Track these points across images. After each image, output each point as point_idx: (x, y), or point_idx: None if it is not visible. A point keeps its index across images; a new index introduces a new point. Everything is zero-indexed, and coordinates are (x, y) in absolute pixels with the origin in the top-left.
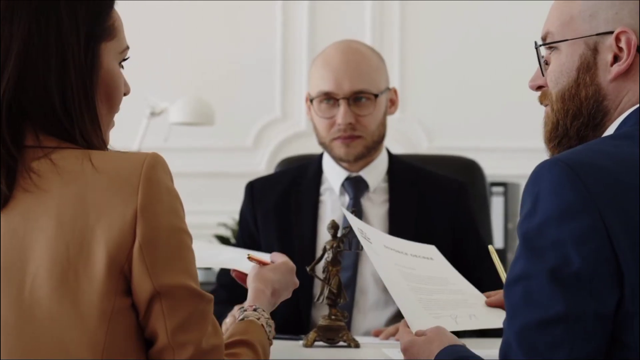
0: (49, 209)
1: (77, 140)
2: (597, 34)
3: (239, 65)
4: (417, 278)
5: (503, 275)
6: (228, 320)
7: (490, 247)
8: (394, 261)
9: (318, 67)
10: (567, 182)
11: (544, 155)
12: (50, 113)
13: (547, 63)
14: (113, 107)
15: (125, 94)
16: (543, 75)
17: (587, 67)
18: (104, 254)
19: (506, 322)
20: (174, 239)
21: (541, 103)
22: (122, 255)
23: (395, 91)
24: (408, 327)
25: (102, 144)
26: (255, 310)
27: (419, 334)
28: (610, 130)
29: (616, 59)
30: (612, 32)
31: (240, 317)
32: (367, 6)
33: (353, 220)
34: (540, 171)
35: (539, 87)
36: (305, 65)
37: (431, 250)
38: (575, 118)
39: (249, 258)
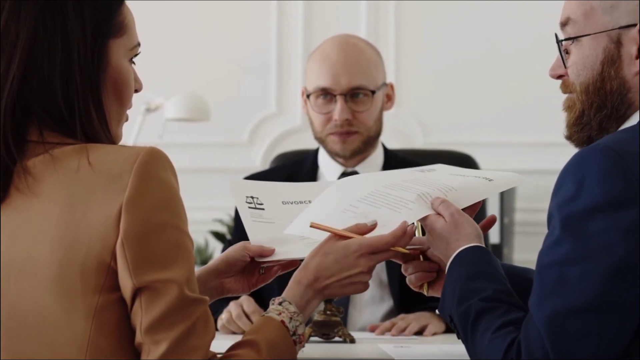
0: (39, 205)
1: (77, 136)
2: (620, 28)
3: (235, 61)
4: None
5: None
6: (224, 316)
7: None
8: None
9: (315, 62)
10: (617, 171)
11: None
12: (54, 109)
13: (567, 52)
14: (123, 103)
15: (136, 91)
16: (564, 65)
17: (612, 60)
18: (89, 250)
19: (534, 303)
20: (160, 235)
21: (563, 92)
22: (107, 251)
23: (392, 86)
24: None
25: (110, 139)
26: (280, 304)
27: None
28: (633, 121)
29: None
30: (635, 25)
31: (266, 312)
32: (362, 2)
33: (238, 191)
34: (588, 155)
35: (559, 77)
36: (300, 61)
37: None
38: (599, 110)
39: (312, 226)
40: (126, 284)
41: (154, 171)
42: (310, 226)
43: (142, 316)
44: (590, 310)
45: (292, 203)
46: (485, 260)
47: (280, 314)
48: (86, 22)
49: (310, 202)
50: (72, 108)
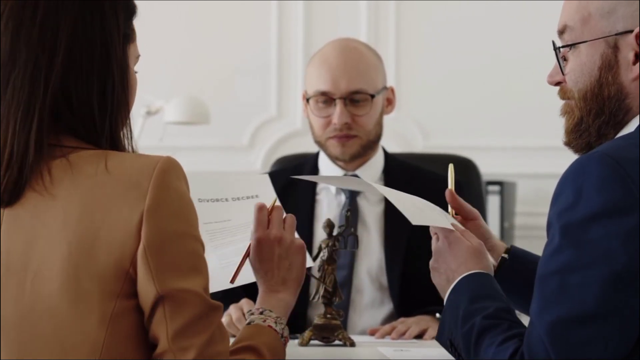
0: (55, 208)
1: (101, 142)
2: (617, 34)
3: (235, 64)
4: (228, 233)
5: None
6: (224, 319)
7: (450, 165)
8: (204, 219)
9: (315, 66)
10: (616, 178)
11: (539, 153)
12: (86, 107)
13: (564, 59)
14: (131, 108)
15: None
16: (562, 72)
17: (609, 66)
18: (107, 256)
19: (536, 311)
20: (180, 244)
21: (561, 98)
22: (127, 258)
23: (392, 90)
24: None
25: (131, 146)
26: (261, 313)
27: (466, 235)
28: (631, 127)
29: (637, 56)
30: (631, 31)
31: (247, 321)
32: (362, 4)
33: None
34: (587, 163)
35: (557, 83)
36: (300, 64)
37: (261, 181)
38: (597, 117)
39: (231, 281)
40: (148, 291)
41: (171, 181)
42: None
43: (167, 324)
44: (593, 318)
45: (207, 201)
46: (487, 284)
47: (265, 320)
48: (119, 23)
49: (227, 199)
50: (105, 107)
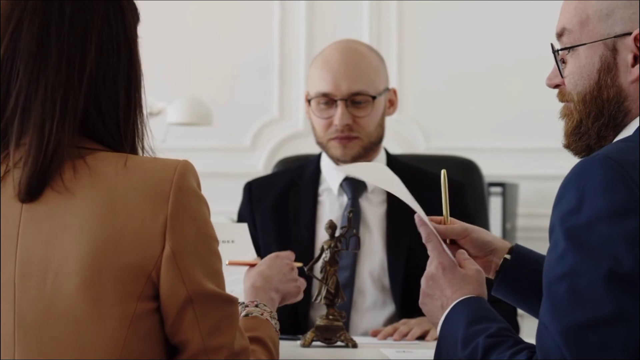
0: (75, 208)
1: (121, 143)
2: (616, 36)
3: (237, 65)
4: None
5: (446, 206)
6: None
7: (443, 171)
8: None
9: (317, 67)
10: (619, 180)
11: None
12: (112, 106)
13: (563, 61)
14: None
15: None
16: (561, 75)
17: (608, 68)
18: (130, 258)
19: (548, 319)
20: (203, 245)
21: (560, 101)
22: (150, 261)
23: (394, 92)
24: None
25: (150, 147)
26: (257, 306)
27: (459, 259)
28: (630, 129)
29: (636, 59)
30: (630, 34)
31: (244, 313)
32: (364, 6)
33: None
34: (588, 166)
35: (556, 86)
36: (303, 65)
37: (238, 229)
38: (596, 119)
39: (229, 263)
40: (178, 294)
41: (191, 184)
42: (228, 264)
43: (199, 325)
44: (608, 320)
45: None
46: (483, 306)
47: (262, 313)
48: (136, 21)
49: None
50: (129, 107)
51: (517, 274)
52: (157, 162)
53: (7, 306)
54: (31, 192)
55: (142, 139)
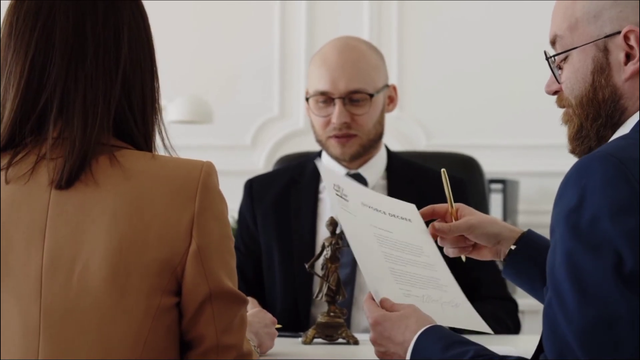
0: (103, 202)
1: (145, 141)
2: (605, 37)
3: (237, 63)
4: (392, 243)
5: (451, 201)
6: None
7: (443, 170)
8: (370, 221)
9: (315, 65)
10: (620, 178)
11: (542, 152)
12: (142, 106)
13: (559, 68)
14: None
15: None
16: (557, 81)
17: (601, 69)
18: (157, 253)
19: (560, 319)
20: (224, 244)
21: (559, 107)
22: (176, 257)
23: (394, 88)
24: (373, 299)
25: (170, 146)
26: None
27: (387, 307)
28: (627, 127)
29: (628, 57)
30: (619, 32)
31: None
32: (364, 5)
33: (328, 176)
34: (589, 163)
35: (555, 92)
36: (303, 63)
37: (410, 210)
38: (595, 120)
39: None
40: (200, 290)
41: (215, 185)
42: None
43: (215, 322)
44: (619, 319)
45: (369, 207)
46: (448, 332)
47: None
48: (149, 22)
49: (385, 213)
50: (154, 104)
51: (521, 265)
52: (183, 161)
53: (33, 296)
54: (70, 183)
55: (163, 136)
